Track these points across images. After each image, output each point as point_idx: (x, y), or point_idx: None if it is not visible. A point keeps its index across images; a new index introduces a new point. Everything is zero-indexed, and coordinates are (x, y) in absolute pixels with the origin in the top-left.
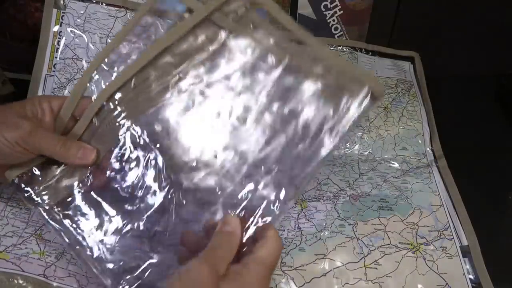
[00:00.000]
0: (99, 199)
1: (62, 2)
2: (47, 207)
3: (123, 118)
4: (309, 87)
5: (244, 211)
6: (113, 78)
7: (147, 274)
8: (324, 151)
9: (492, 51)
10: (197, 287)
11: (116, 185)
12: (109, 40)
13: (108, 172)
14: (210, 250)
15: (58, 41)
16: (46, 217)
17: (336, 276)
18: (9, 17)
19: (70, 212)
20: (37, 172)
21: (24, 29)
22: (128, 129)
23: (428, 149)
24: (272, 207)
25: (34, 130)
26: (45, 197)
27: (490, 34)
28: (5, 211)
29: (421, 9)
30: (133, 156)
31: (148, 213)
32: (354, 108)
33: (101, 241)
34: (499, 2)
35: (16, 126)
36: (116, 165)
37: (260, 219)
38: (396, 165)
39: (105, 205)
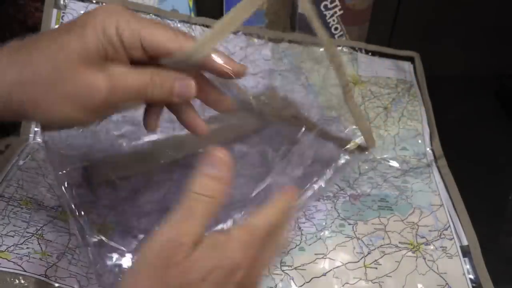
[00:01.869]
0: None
1: (62, 2)
2: None
3: None
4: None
5: None
6: None
7: None
8: None
9: (492, 51)
10: (160, 267)
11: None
12: None
13: None
14: (182, 211)
15: None
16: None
17: (336, 275)
18: (9, 17)
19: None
20: None
21: (24, 29)
22: None
23: (428, 149)
24: None
25: (113, 85)
26: None
27: (490, 34)
28: (6, 211)
29: (421, 9)
30: None
31: (148, 210)
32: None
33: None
34: (499, 2)
35: (89, 93)
36: None
37: None
38: (396, 165)
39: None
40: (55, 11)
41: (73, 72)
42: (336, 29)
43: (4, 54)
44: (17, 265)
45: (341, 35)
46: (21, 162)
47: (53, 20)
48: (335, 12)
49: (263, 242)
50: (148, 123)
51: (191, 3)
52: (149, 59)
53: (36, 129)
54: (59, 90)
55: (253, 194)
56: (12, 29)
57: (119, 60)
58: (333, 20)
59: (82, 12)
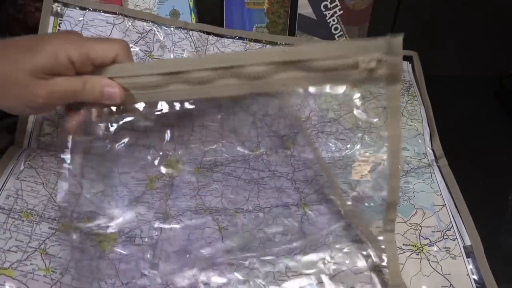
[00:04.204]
0: None
1: (59, 10)
2: None
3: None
4: None
5: None
6: None
7: (149, 282)
8: None
9: (492, 51)
10: None
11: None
12: None
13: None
14: None
15: None
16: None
17: (341, 280)
18: (9, 17)
19: None
20: None
21: (24, 29)
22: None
23: (428, 148)
24: None
25: (52, 91)
26: None
27: (490, 34)
28: (7, 224)
29: (421, 9)
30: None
31: (151, 218)
32: None
33: None
34: (499, 2)
35: (32, 97)
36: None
37: None
38: None
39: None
40: (52, 18)
41: (23, 81)
42: (336, 29)
43: None
44: (22, 283)
45: (341, 35)
46: (18, 171)
47: (50, 27)
48: (335, 12)
49: None
50: (69, 126)
51: (191, 3)
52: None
53: (31, 134)
54: (12, 92)
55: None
56: (12, 29)
57: (68, 73)
58: (333, 20)
59: (79, 19)
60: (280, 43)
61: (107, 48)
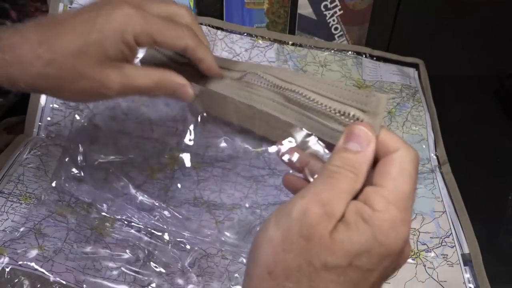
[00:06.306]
0: None
1: None
2: None
3: None
4: None
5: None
6: None
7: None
8: None
9: (492, 51)
10: (300, 236)
11: None
12: None
13: None
14: (323, 181)
15: None
16: None
17: None
18: (9, 17)
19: None
20: None
21: None
22: None
23: (432, 154)
24: None
25: (125, 84)
26: None
27: (490, 34)
28: (5, 207)
29: (421, 9)
30: None
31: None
32: None
33: None
34: (499, 2)
35: (103, 91)
36: None
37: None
38: None
39: None
40: (61, 5)
41: (91, 71)
42: (336, 29)
43: (28, 48)
44: (13, 259)
45: (341, 35)
46: (23, 158)
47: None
48: (335, 12)
49: (411, 207)
50: None
51: (191, 3)
52: None
53: (39, 123)
54: (78, 85)
55: None
56: None
57: (132, 55)
58: (333, 20)
59: None
60: (287, 42)
61: (176, 36)
